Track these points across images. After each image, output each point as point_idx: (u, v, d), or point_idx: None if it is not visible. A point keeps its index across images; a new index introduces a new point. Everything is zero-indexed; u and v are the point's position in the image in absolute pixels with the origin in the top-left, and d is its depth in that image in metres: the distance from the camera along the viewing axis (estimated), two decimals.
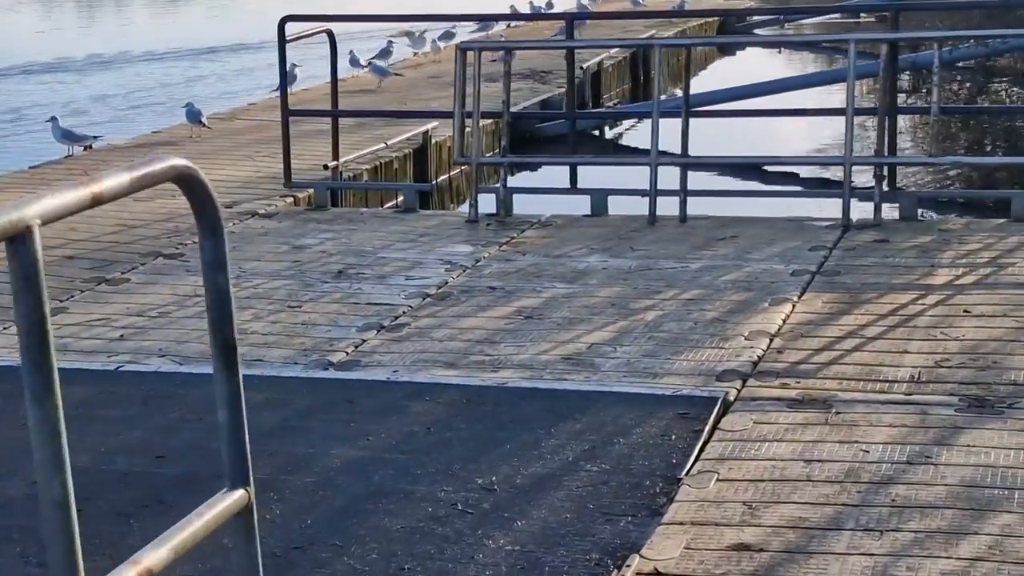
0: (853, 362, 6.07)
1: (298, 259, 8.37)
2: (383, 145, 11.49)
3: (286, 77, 9.76)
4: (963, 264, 7.61)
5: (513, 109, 14.01)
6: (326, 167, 10.48)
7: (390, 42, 18.02)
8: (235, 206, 9.79)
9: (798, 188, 10.15)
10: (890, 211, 9.03)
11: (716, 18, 23.71)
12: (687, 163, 8.97)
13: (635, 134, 15.46)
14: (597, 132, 15.59)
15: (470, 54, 9.19)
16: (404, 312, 7.16)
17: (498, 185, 9.35)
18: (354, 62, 16.66)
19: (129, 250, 8.65)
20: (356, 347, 6.61)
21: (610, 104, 14.92)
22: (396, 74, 16.67)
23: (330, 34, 10.17)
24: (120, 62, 25.19)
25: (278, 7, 34.25)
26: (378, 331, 6.85)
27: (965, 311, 6.70)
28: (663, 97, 11.76)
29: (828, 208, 8.94)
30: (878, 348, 6.25)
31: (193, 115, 12.49)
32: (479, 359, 6.34)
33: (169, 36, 29.66)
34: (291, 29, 9.93)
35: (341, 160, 10.73)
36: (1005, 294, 6.98)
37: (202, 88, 20.99)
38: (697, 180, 9.55)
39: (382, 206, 11.27)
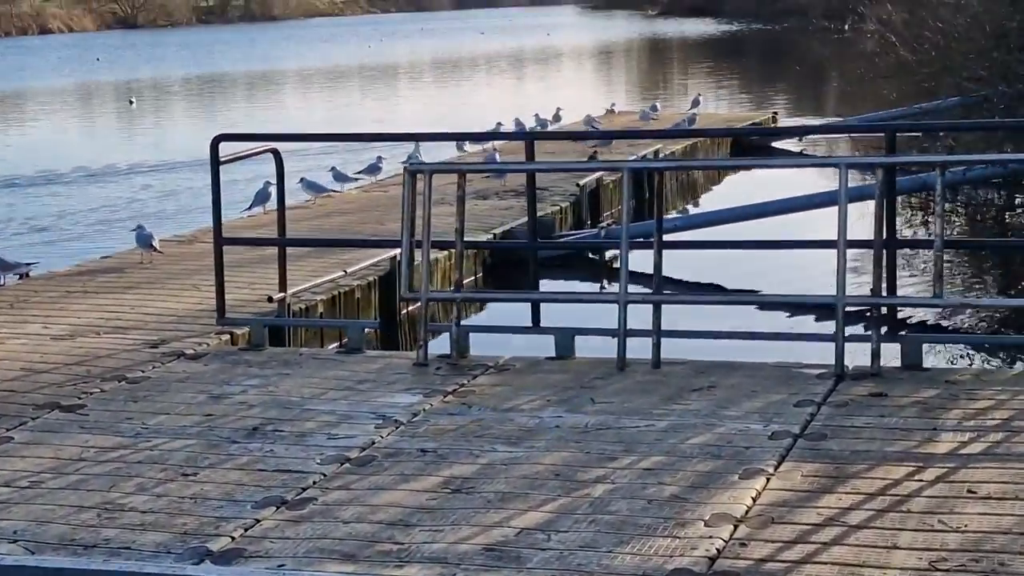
0: (830, 560, 5.00)
1: (212, 412, 7.35)
2: (342, 273, 10.51)
3: (219, 200, 8.81)
4: (971, 428, 6.52)
5: (502, 228, 13.26)
6: (271, 299, 9.50)
7: (379, 158, 17.21)
8: (161, 345, 8.81)
9: (787, 328, 9.03)
10: (892, 353, 7.97)
11: (725, 136, 22.91)
12: (660, 300, 7.95)
13: (639, 255, 14.49)
14: (594, 254, 14.57)
15: (420, 177, 8.25)
16: (315, 482, 6.12)
17: (452, 319, 8.33)
18: (340, 177, 15.71)
19: (24, 400, 7.65)
20: (246, 530, 5.57)
21: (603, 224, 13.94)
22: (332, 192, 15.60)
23: (275, 153, 9.25)
24: (105, 174, 24.44)
25: (268, 117, 33.84)
26: (278, 507, 5.82)
27: (970, 491, 5.61)
28: (662, 217, 10.85)
29: (820, 352, 7.90)
30: (862, 540, 5.17)
31: (143, 239, 11.58)
32: (385, 548, 5.30)
33: (156, 145, 29.03)
34: (230, 148, 9.03)
35: (292, 291, 9.76)
36: (1018, 469, 5.88)
37: (173, 204, 20.06)
38: (675, 315, 8.50)
39: (341, 343, 10.26)
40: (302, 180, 15.31)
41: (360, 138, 9.57)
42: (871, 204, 7.67)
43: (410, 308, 10.83)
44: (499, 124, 20.82)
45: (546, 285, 12.83)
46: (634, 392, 7.45)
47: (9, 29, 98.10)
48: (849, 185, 7.65)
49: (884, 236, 7.78)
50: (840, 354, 7.56)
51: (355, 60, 59.00)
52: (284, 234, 9.34)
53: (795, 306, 7.97)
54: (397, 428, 6.94)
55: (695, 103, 25.24)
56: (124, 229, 15.18)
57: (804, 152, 21.05)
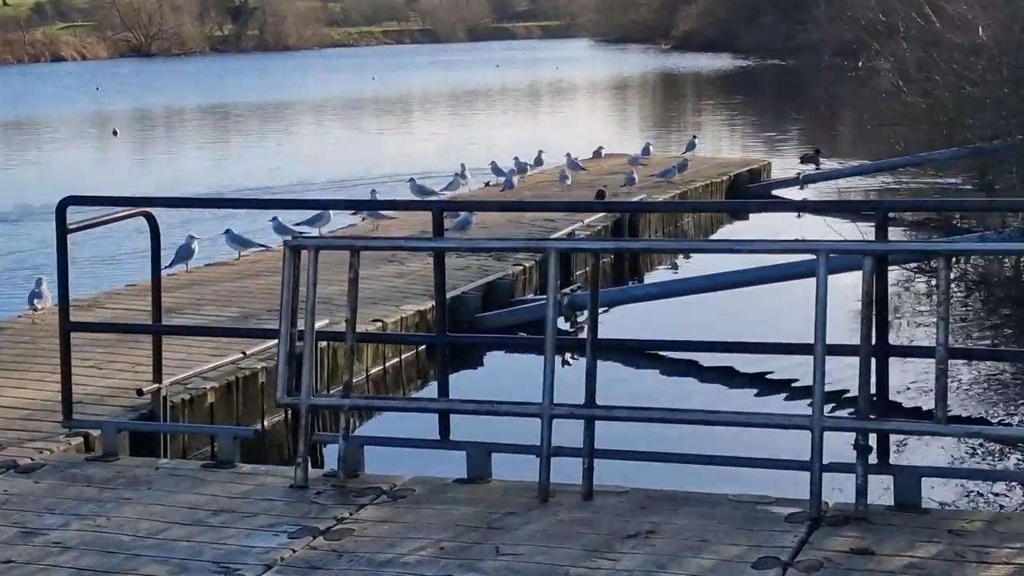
0: None
1: (12, 558, 5.76)
2: (241, 355, 8.90)
3: (66, 276, 7.21)
4: None
5: (450, 294, 11.67)
6: (140, 392, 7.92)
7: (373, 191, 15.86)
8: None
9: (753, 448, 7.34)
10: (881, 488, 6.36)
11: (718, 179, 21.35)
12: (592, 416, 6.34)
13: (613, 319, 12.89)
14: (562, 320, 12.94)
15: (304, 254, 6.67)
16: None
17: (338, 434, 6.72)
18: (280, 229, 14.06)
19: None
20: None
21: (568, 289, 12.36)
22: (263, 248, 14.02)
23: (149, 217, 7.68)
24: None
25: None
26: None
27: None
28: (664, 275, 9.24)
29: (791, 479, 6.30)
30: None
31: (32, 298, 10.01)
32: None
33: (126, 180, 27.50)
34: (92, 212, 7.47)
35: (174, 379, 8.21)
36: None
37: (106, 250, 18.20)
38: (616, 427, 6.85)
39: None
40: (227, 232, 13.71)
41: (236, 204, 7.99)
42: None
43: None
44: (461, 166, 19.37)
45: (495, 358, 11.35)
46: (553, 537, 5.84)
47: (22, 56, 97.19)
48: (837, 251, 6.07)
49: (873, 341, 6.17)
50: (816, 491, 5.94)
51: (357, 93, 57.60)
52: (160, 314, 7.76)
53: (762, 426, 6.35)
54: None
55: (690, 146, 23.67)
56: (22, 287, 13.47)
57: (805, 200, 19.42)
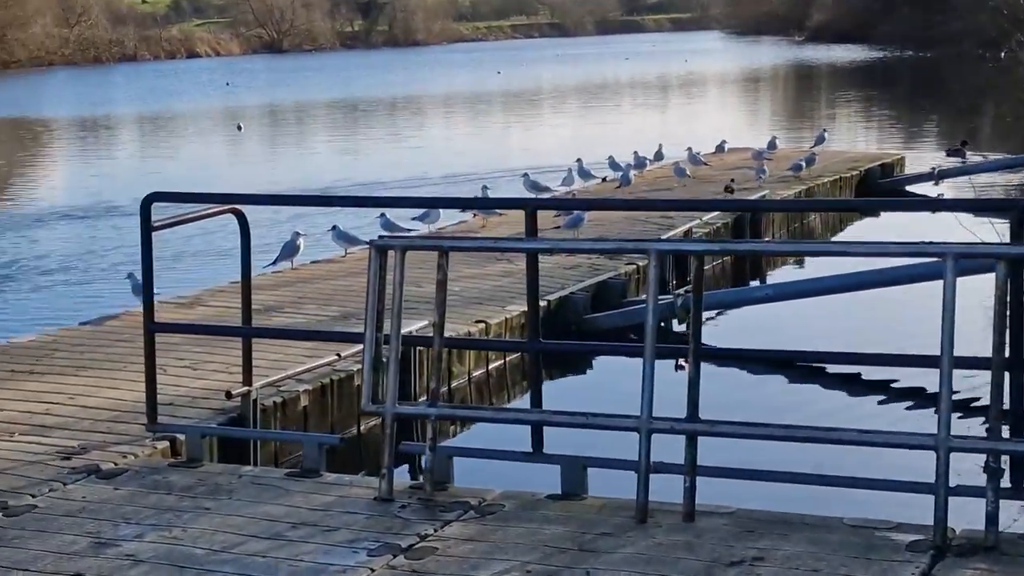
0: None
1: (81, 571, 5.50)
2: (336, 357, 8.58)
3: (151, 274, 6.95)
4: None
5: (558, 294, 11.25)
6: (229, 396, 7.64)
7: (484, 187, 15.62)
8: (78, 455, 6.99)
9: (871, 468, 6.74)
10: (1013, 515, 5.80)
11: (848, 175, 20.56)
12: (695, 431, 5.87)
13: (727, 322, 12.33)
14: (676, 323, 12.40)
15: (391, 254, 6.32)
16: None
17: (427, 441, 6.34)
18: (387, 225, 13.65)
19: None
20: None
21: (681, 291, 11.81)
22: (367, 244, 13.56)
23: (239, 214, 7.39)
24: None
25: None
26: None
27: None
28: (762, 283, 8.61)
29: (912, 502, 5.76)
30: None
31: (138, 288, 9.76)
32: None
33: (250, 175, 27.42)
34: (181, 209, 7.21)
35: (265, 381, 7.92)
36: None
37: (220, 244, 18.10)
38: (720, 445, 6.36)
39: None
40: (334, 229, 13.36)
41: (325, 202, 7.65)
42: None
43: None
44: (578, 161, 18.88)
45: (598, 363, 10.87)
46: (650, 562, 5.40)
47: (158, 52, 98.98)
48: (966, 255, 5.54)
49: (1007, 353, 5.61)
50: (941, 517, 5.41)
51: (482, 87, 57.40)
52: (249, 315, 7.47)
53: (882, 445, 5.81)
54: None
55: (819, 140, 22.89)
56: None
57: (940, 196, 18.57)
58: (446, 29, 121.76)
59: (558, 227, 13.74)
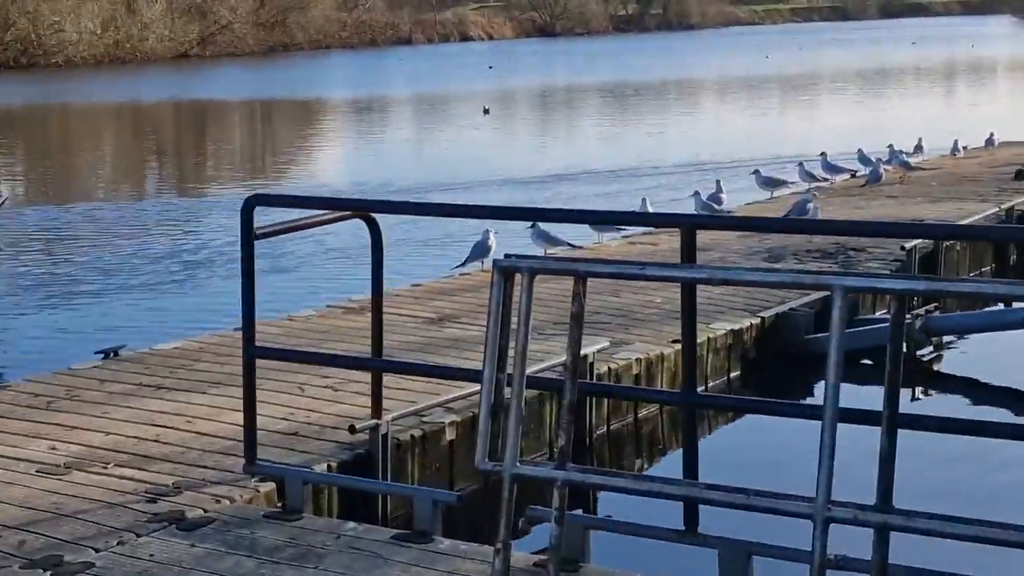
0: None
1: None
2: None
3: (252, 287, 5.91)
4: None
5: (775, 309, 9.78)
6: (353, 430, 6.59)
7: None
8: (165, 497, 6.03)
9: None
10: None
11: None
12: (884, 524, 4.47)
13: (980, 347, 10.60)
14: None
15: (519, 278, 5.13)
16: None
17: (553, 510, 5.12)
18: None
19: None
20: None
21: (923, 311, 10.13)
22: (570, 246, 12.37)
23: (369, 220, 6.32)
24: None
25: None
26: None
27: None
28: None
29: None
30: None
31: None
32: None
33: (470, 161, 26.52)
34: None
35: (399, 413, 6.86)
36: None
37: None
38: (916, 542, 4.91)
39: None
40: (534, 227, 11.97)
41: (462, 211, 6.43)
42: None
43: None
44: (822, 155, 17.15)
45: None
46: None
47: (431, 36, 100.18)
48: None
49: None
50: None
51: (750, 71, 55.35)
52: (380, 343, 6.39)
53: None
54: None
55: None
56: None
57: None
58: (722, 12, 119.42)
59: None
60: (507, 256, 5.44)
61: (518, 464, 5.13)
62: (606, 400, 8.51)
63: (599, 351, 8.34)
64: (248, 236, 5.92)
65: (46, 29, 68.45)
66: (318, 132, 37.48)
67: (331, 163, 29.31)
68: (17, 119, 42.39)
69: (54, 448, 6.79)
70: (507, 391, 5.29)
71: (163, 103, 47.05)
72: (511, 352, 5.26)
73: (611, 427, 8.54)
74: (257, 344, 6.07)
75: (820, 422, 4.54)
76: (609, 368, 8.44)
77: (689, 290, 5.20)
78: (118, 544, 5.54)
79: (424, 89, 50.13)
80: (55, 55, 68.11)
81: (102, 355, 8.56)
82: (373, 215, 6.39)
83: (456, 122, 37.38)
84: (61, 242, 18.06)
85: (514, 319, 5.12)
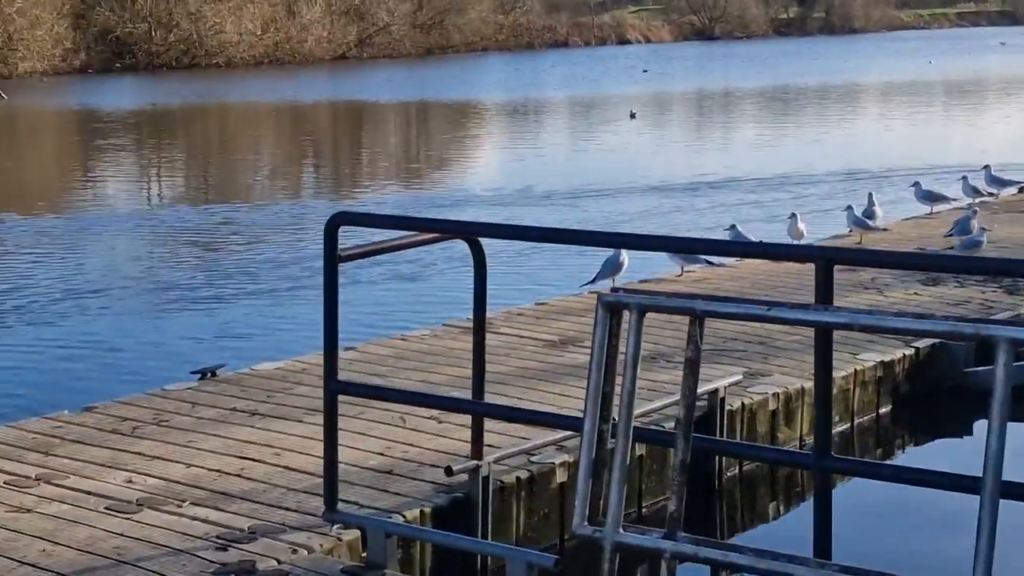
0: None
1: None
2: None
3: (335, 314, 5.31)
4: None
5: (931, 340, 8.81)
6: (450, 472, 5.96)
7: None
8: (237, 544, 5.47)
9: None
10: None
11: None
12: None
13: None
14: None
15: (627, 315, 4.47)
16: None
17: None
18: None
19: None
20: None
21: None
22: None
23: (472, 242, 5.69)
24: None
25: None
26: None
27: None
28: None
29: None
30: None
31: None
32: None
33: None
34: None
35: (502, 453, 6.22)
36: None
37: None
38: None
39: None
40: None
41: (550, 236, 5.72)
42: None
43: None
44: (986, 167, 15.99)
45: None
46: None
47: (589, 39, 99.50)
48: None
49: None
50: None
51: (911, 77, 53.48)
52: (481, 382, 5.76)
53: None
54: None
55: None
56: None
57: None
58: (886, 16, 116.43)
59: (952, 248, 11.34)
60: (613, 290, 4.75)
61: (621, 530, 4.46)
62: (738, 432, 7.76)
63: (731, 385, 7.57)
64: (332, 258, 5.33)
65: (208, 31, 69.47)
66: (470, 135, 37.11)
67: (479, 167, 28.87)
68: (178, 118, 42.91)
69: (130, 481, 6.29)
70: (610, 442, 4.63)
71: (320, 103, 47.24)
72: (616, 398, 4.61)
73: (744, 468, 7.77)
74: (341, 378, 5.47)
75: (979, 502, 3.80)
76: (743, 404, 7.68)
77: (824, 335, 4.44)
78: None
79: (576, 92, 49.51)
80: (216, 56, 69.08)
81: (199, 375, 8.08)
82: (478, 237, 5.76)
83: (602, 127, 36.65)
84: (195, 245, 17.85)
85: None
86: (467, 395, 6.13)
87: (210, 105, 47.18)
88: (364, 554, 5.53)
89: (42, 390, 10.11)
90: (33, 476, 6.36)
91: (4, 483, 6.27)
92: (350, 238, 6.19)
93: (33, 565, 5.27)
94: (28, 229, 19.22)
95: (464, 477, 6.07)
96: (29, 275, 15.38)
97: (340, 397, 5.45)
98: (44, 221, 20.17)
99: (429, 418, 7.12)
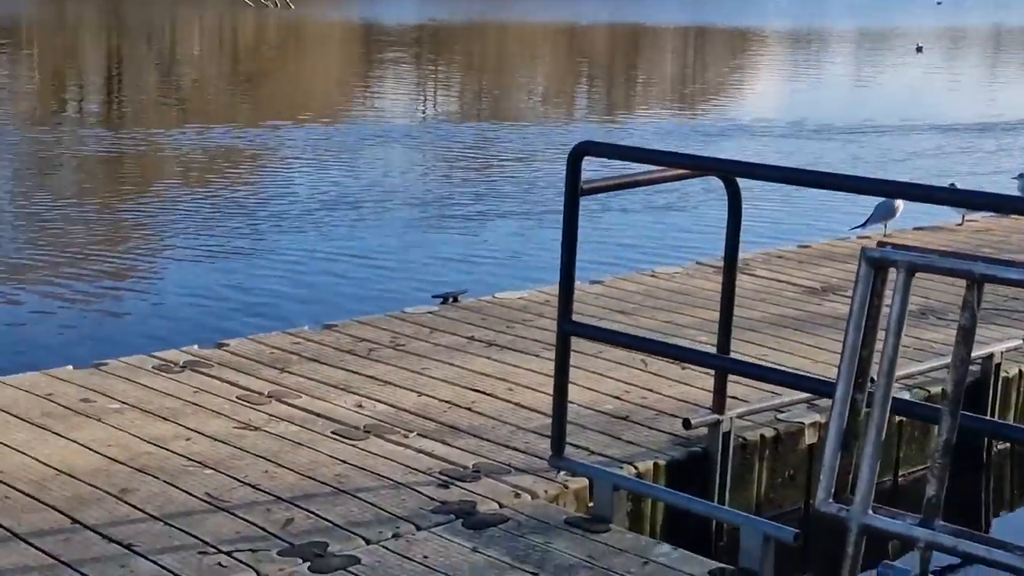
0: None
1: None
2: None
3: (574, 249, 4.94)
4: None
5: None
6: (688, 425, 5.57)
7: None
8: (462, 482, 5.22)
9: None
10: None
11: None
12: None
13: None
14: None
15: (893, 273, 4.00)
16: None
17: (912, 573, 3.98)
18: None
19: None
20: None
21: None
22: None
23: (728, 181, 5.25)
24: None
25: None
26: None
27: None
28: None
29: None
30: None
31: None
32: None
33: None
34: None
35: (745, 408, 5.79)
36: None
37: None
38: None
39: None
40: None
41: (819, 183, 5.15)
42: None
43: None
44: None
45: None
46: None
47: None
48: None
49: None
50: None
51: None
52: (727, 334, 5.34)
53: None
54: None
55: None
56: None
57: None
58: None
59: None
60: (880, 245, 4.24)
61: (870, 511, 4.00)
62: (1013, 405, 7.11)
63: (1009, 350, 6.91)
64: (573, 191, 4.96)
65: None
66: (747, 63, 36.14)
67: (751, 96, 28.05)
68: (457, 35, 43.26)
69: (360, 406, 6.12)
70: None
71: (598, 26, 46.87)
72: (875, 364, 4.13)
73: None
74: (585, 312, 5.17)
75: None
76: (1021, 372, 7.01)
77: None
78: (392, 537, 4.77)
79: (863, 23, 47.67)
80: None
81: (440, 299, 7.88)
82: (735, 176, 5.30)
83: (886, 61, 35.06)
84: (458, 162, 17.80)
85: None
86: (713, 340, 5.71)
87: (490, 24, 47.37)
88: (590, 504, 5.21)
89: (285, 301, 10.13)
90: (266, 393, 6.26)
91: (237, 397, 6.19)
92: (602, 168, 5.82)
93: (253, 486, 5.14)
94: (300, 137, 19.55)
95: (703, 431, 5.67)
96: (294, 183, 15.59)
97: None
98: (318, 130, 20.49)
99: (671, 362, 6.73)
